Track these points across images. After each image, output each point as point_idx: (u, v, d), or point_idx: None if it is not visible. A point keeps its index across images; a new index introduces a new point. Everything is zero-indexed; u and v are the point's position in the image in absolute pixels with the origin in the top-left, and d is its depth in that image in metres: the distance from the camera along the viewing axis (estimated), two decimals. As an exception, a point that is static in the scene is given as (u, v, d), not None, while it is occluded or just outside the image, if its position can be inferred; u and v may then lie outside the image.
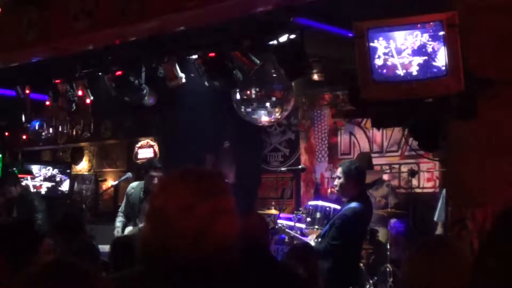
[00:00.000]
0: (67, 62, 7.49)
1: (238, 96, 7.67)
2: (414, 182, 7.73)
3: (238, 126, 8.59)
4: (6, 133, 11.12)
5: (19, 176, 9.31)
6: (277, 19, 5.81)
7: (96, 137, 10.88)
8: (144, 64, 7.06)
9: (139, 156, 10.43)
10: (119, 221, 6.70)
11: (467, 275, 2.13)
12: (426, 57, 4.25)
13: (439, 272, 2.11)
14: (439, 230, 6.50)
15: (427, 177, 7.95)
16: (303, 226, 6.29)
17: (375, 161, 8.16)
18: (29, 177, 10.22)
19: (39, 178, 10.60)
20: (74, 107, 7.86)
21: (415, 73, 4.30)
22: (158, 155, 10.01)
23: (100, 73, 7.49)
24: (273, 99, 7.70)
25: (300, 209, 6.90)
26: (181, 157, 8.44)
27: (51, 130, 9.77)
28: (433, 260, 2.14)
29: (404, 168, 8.10)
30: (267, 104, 7.69)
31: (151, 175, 6.51)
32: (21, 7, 6.79)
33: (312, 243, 5.45)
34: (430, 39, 4.21)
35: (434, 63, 4.23)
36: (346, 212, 5.31)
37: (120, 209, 6.85)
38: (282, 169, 8.25)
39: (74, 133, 10.54)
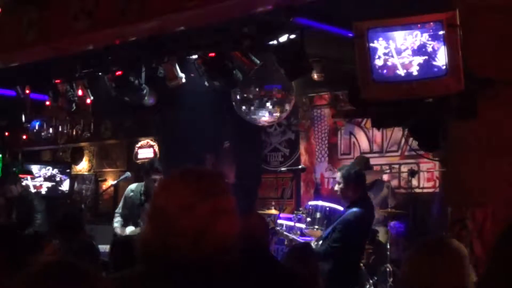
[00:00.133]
0: (67, 62, 7.49)
1: (238, 96, 7.67)
2: (414, 182, 7.73)
3: (238, 126, 8.59)
4: (6, 133, 11.14)
5: (19, 176, 9.33)
6: (277, 19, 5.81)
7: (96, 137, 10.87)
8: (144, 64, 7.06)
9: (139, 156, 10.44)
10: (116, 221, 6.67)
11: (466, 275, 2.14)
12: (426, 57, 4.24)
13: (439, 272, 2.11)
14: None
15: (427, 177, 7.95)
16: (303, 226, 6.29)
17: (375, 161, 8.16)
18: (29, 177, 10.23)
19: (39, 178, 10.60)
20: (74, 107, 7.86)
21: (415, 73, 4.30)
22: (158, 155, 10.01)
23: (100, 73, 7.49)
24: (273, 99, 7.70)
25: (300, 209, 6.90)
26: (181, 157, 8.44)
27: (51, 130, 9.76)
28: (433, 260, 2.14)
29: (404, 168, 8.10)
30: (267, 104, 7.69)
31: (152, 178, 6.48)
32: (21, 7, 6.79)
33: (313, 246, 5.45)
34: (430, 39, 4.21)
35: (434, 63, 4.23)
36: (348, 217, 5.32)
37: (117, 210, 6.81)
38: (282, 169, 8.26)
39: (74, 133, 10.53)
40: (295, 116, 9.10)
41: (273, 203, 8.26)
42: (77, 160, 11.56)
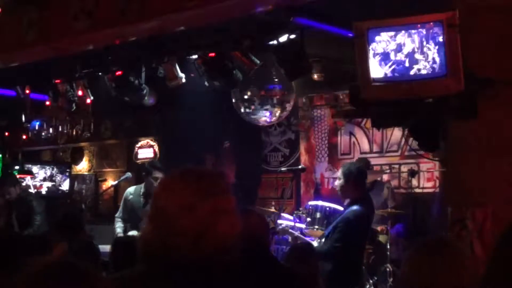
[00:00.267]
0: (67, 62, 7.50)
1: (238, 96, 7.67)
2: (414, 182, 7.73)
3: (238, 126, 8.60)
4: (6, 133, 11.14)
5: (19, 176, 9.33)
6: (277, 19, 5.81)
7: (96, 137, 10.87)
8: (144, 64, 7.06)
9: (139, 156, 10.43)
10: (118, 226, 6.66)
11: (467, 275, 2.14)
12: (426, 57, 4.25)
13: (439, 272, 2.11)
14: None
15: (427, 177, 7.94)
16: (303, 226, 6.29)
17: (375, 161, 8.16)
18: (29, 177, 10.23)
19: (39, 178, 10.60)
20: (74, 107, 7.87)
21: (415, 73, 4.30)
22: (158, 155, 10.01)
23: (100, 73, 7.50)
24: (273, 99, 7.70)
25: (300, 209, 6.90)
26: (181, 157, 8.44)
27: (51, 130, 9.78)
28: (433, 260, 2.14)
29: (404, 168, 8.10)
30: (267, 104, 7.70)
31: (154, 177, 6.48)
32: (21, 7, 6.79)
33: (315, 244, 5.45)
34: (430, 39, 4.21)
35: (434, 63, 4.23)
36: (348, 215, 5.31)
37: (117, 215, 6.80)
38: (282, 169, 8.25)
39: (74, 133, 10.53)
40: (295, 116, 9.09)
41: (273, 203, 8.26)
42: (77, 160, 11.55)
